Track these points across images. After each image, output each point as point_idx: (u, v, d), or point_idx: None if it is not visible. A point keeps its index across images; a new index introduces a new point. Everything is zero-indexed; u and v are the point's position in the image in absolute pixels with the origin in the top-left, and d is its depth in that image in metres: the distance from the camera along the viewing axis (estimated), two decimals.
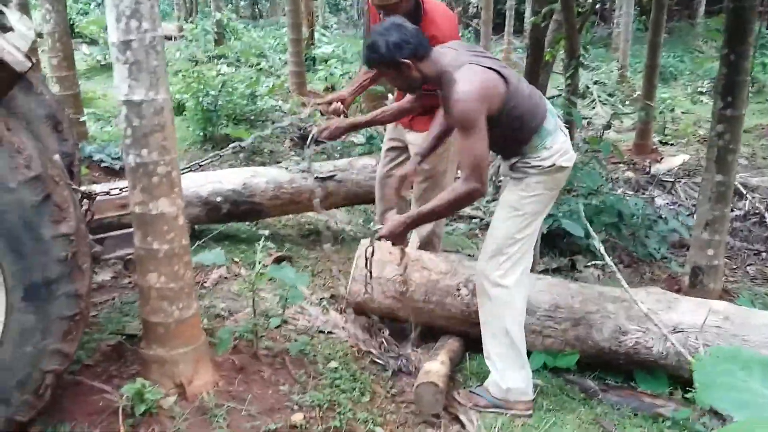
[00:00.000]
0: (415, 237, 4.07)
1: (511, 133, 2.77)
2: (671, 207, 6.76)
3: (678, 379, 3.26)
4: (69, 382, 2.54)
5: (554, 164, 2.81)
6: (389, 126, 3.92)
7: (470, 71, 2.61)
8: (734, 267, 5.53)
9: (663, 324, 3.13)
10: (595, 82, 12.96)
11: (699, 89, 13.07)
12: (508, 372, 2.93)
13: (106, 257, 2.96)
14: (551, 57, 7.38)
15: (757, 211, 6.55)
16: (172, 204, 2.42)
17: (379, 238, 2.84)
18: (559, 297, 3.26)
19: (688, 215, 6.30)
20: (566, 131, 2.94)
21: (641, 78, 13.89)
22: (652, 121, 8.76)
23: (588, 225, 3.00)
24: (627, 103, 11.25)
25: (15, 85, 2.56)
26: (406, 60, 2.62)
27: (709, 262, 4.36)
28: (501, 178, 3.24)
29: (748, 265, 5.58)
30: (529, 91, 2.83)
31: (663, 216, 5.78)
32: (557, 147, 2.82)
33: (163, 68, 2.37)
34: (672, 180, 7.28)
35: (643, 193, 7.09)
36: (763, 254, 5.83)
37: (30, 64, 2.18)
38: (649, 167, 7.98)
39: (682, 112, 11.50)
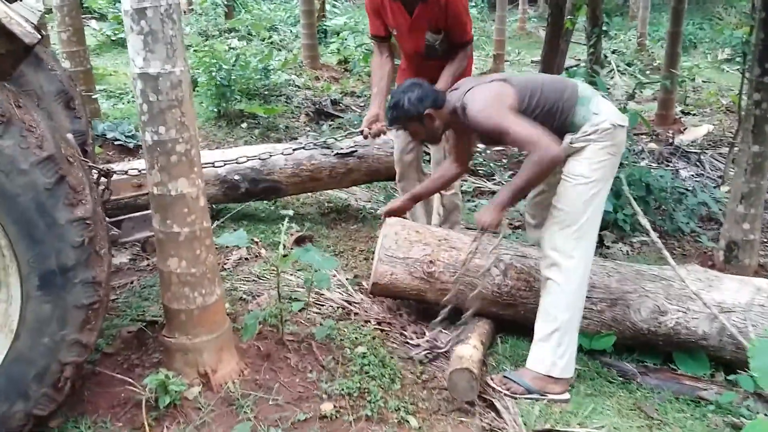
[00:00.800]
0: (435, 214, 3.95)
1: (550, 117, 2.81)
2: (696, 179, 6.56)
3: (719, 360, 3.12)
4: (89, 373, 2.44)
5: (612, 124, 2.78)
6: None
7: (474, 93, 2.83)
8: (764, 240, 5.35)
9: (704, 298, 2.99)
10: (613, 51, 12.70)
11: (720, 58, 12.75)
12: (557, 350, 2.83)
13: (124, 240, 2.84)
14: (572, 25, 7.17)
15: None
16: (192, 184, 2.29)
17: (482, 230, 2.83)
18: (594, 276, 3.11)
19: (715, 187, 6.12)
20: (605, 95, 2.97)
21: (660, 47, 13.71)
22: (675, 91, 8.52)
23: (633, 201, 2.86)
24: (648, 72, 11.01)
25: (24, 60, 2.43)
26: (428, 111, 2.90)
27: (744, 236, 4.20)
28: None
29: None
30: (539, 78, 2.99)
31: (691, 189, 5.61)
32: (605, 107, 2.84)
33: (180, 38, 2.22)
34: (698, 151, 7.05)
35: (667, 165, 6.89)
36: None
37: (39, 37, 2.04)
38: (673, 138, 7.76)
39: (703, 81, 11.23)
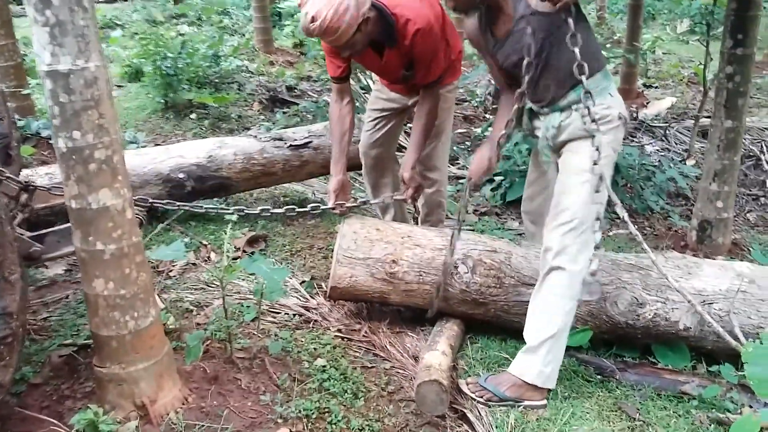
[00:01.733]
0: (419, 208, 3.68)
1: (576, 46, 2.42)
2: (662, 154, 6.44)
3: (700, 351, 2.97)
4: (10, 412, 2.16)
5: (621, 115, 2.63)
6: (375, 92, 3.53)
7: None
8: (734, 214, 5.25)
9: (686, 293, 2.82)
10: None
11: (679, 29, 12.68)
12: (547, 357, 2.61)
13: (49, 256, 2.55)
14: None
15: (751, 154, 6.24)
16: (116, 195, 2.01)
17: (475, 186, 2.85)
18: None
19: (681, 161, 6.00)
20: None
21: (620, 20, 13.60)
22: (637, 65, 8.38)
23: (612, 193, 2.63)
24: (608, 45, 10.87)
25: None
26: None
27: (718, 215, 4.07)
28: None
29: (747, 212, 5.30)
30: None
31: (658, 164, 5.47)
32: (618, 99, 2.68)
33: (94, 29, 1.92)
34: (663, 126, 6.93)
35: (632, 141, 6.75)
36: (762, 199, 5.55)
37: None
38: (636, 113, 7.62)
39: (663, 53, 11.15)
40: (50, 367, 2.45)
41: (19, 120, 4.85)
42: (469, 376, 2.77)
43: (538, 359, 2.60)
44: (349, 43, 2.78)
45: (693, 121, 6.48)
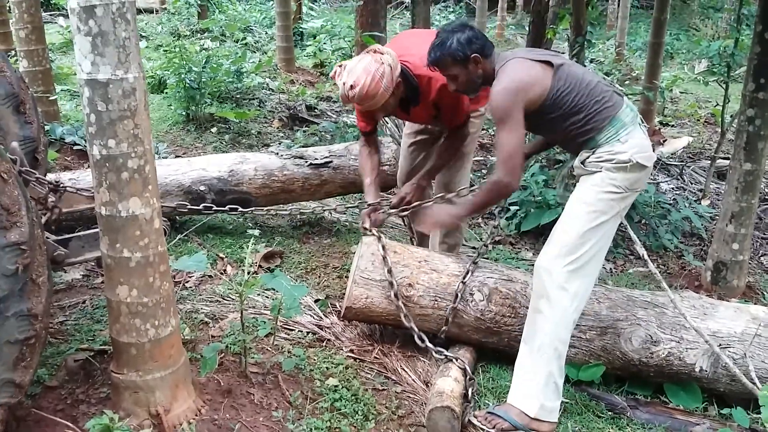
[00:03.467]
0: (434, 240, 3.68)
1: (574, 124, 2.64)
2: (677, 192, 6.44)
3: (712, 392, 2.95)
4: (26, 414, 2.17)
5: (630, 160, 2.58)
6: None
7: (512, 65, 2.62)
8: (749, 257, 5.23)
9: (705, 334, 2.83)
10: (591, 61, 12.61)
11: (697, 69, 12.73)
12: (545, 390, 2.60)
13: (72, 261, 2.57)
14: (553, 34, 7.02)
15: (767, 198, 6.23)
16: (145, 204, 2.04)
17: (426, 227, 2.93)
18: None
19: (696, 201, 6.00)
20: (645, 129, 2.72)
21: (638, 56, 13.68)
22: (655, 102, 8.41)
23: (630, 230, 2.67)
24: (626, 82, 10.92)
25: None
26: (476, 55, 2.64)
27: (733, 257, 4.06)
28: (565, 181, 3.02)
29: (761, 255, 5.28)
30: (591, 79, 2.67)
31: (674, 203, 5.47)
32: (635, 142, 2.61)
33: (135, 41, 1.97)
34: (680, 164, 6.94)
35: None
36: None
37: None
38: (653, 150, 7.63)
39: (681, 92, 11.18)
40: (66, 370, 2.46)
41: (45, 125, 4.91)
42: (479, 407, 2.77)
43: (535, 389, 2.61)
44: (384, 106, 2.94)
45: (709, 162, 6.48)
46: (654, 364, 2.88)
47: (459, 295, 2.91)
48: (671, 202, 5.50)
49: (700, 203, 5.90)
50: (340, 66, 2.89)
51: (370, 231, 3.13)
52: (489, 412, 2.63)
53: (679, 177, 6.81)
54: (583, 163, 2.67)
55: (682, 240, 5.17)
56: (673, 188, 6.54)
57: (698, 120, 9.29)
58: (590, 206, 2.61)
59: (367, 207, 3.27)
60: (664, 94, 9.48)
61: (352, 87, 2.79)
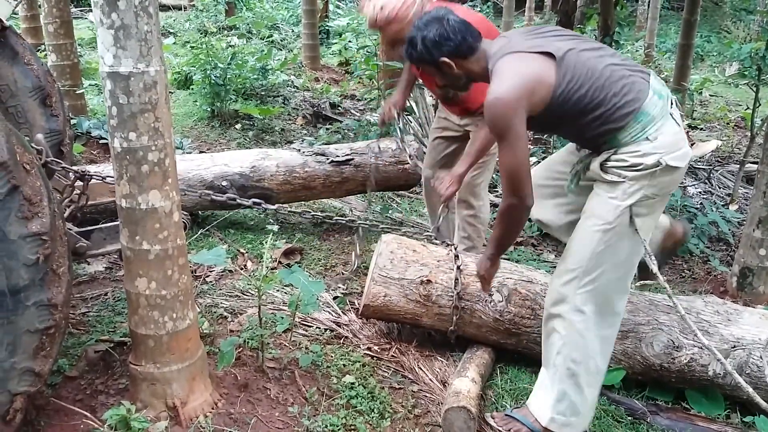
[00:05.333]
0: (457, 236, 3.65)
1: (589, 124, 2.25)
2: (704, 196, 6.34)
3: (735, 400, 2.89)
4: (45, 403, 2.20)
5: (659, 162, 2.20)
6: (438, 115, 3.56)
7: (508, 65, 2.21)
8: None
9: (723, 339, 2.78)
10: None
11: (728, 71, 12.54)
12: (557, 405, 2.49)
13: (93, 253, 2.60)
14: (581, 33, 6.96)
15: None
16: (165, 197, 2.05)
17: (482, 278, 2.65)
18: None
19: (724, 206, 5.90)
20: (681, 121, 2.29)
21: (667, 58, 13.49)
22: (684, 105, 8.29)
23: (646, 245, 2.41)
24: None
25: None
26: (445, 59, 2.31)
27: (760, 262, 3.98)
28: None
29: None
30: (607, 65, 2.23)
31: (701, 207, 5.38)
32: (665, 139, 2.21)
33: (157, 35, 1.98)
34: (708, 168, 6.82)
35: None
36: None
37: None
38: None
39: (710, 95, 11.01)
40: (86, 361, 2.49)
41: (72, 118, 4.98)
42: (496, 409, 2.74)
43: (549, 404, 2.50)
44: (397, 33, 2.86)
45: (738, 166, 6.37)
46: (675, 370, 2.83)
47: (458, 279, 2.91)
48: (698, 206, 5.41)
49: (727, 208, 5.79)
50: None
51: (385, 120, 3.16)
52: (507, 415, 2.60)
53: (706, 181, 6.70)
54: (602, 167, 2.30)
55: (708, 245, 5.08)
56: (700, 192, 6.43)
57: (728, 123, 9.14)
58: (609, 224, 2.29)
59: (394, 98, 3.30)
60: (693, 97, 9.35)
61: (382, 8, 2.75)
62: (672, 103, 2.29)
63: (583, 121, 2.25)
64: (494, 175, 5.83)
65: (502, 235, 2.42)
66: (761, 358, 2.75)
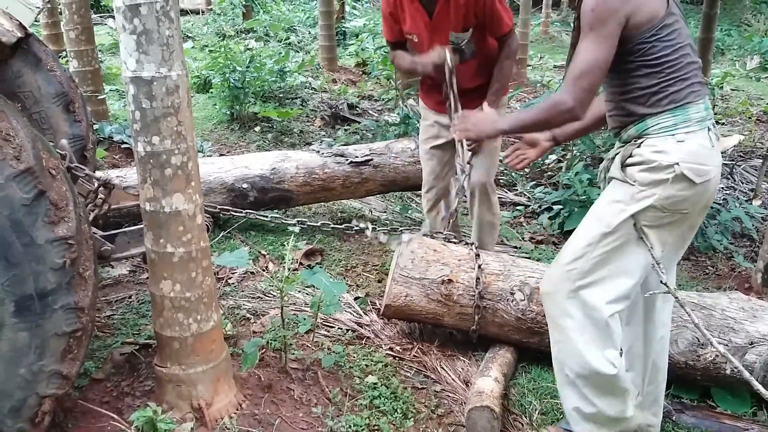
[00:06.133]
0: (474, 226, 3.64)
1: (641, 84, 2.12)
2: (727, 192, 6.27)
3: (761, 397, 2.84)
4: (72, 405, 2.23)
5: (675, 167, 2.06)
6: (423, 125, 3.61)
7: None
8: None
9: (748, 336, 2.75)
10: None
11: (749, 65, 12.38)
12: (569, 416, 2.41)
13: (118, 256, 2.63)
14: None
15: None
16: (188, 200, 2.07)
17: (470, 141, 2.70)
18: None
19: (747, 201, 5.83)
20: (716, 141, 2.16)
21: None
22: None
23: (656, 264, 2.14)
24: None
25: (7, 60, 2.24)
26: None
27: None
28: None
29: None
30: (691, 43, 2.15)
31: (723, 203, 5.32)
32: (691, 147, 2.08)
33: (179, 39, 2.00)
34: (730, 163, 6.75)
35: None
36: None
37: (19, 36, 1.85)
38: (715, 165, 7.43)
39: (732, 90, 10.88)
40: (112, 363, 2.51)
41: (94, 124, 5.04)
42: (520, 406, 2.73)
43: (575, 417, 2.41)
44: None
45: (761, 161, 6.29)
46: (701, 367, 2.81)
47: (479, 278, 2.90)
48: (721, 201, 5.35)
49: (751, 203, 5.72)
50: None
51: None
52: (563, 428, 2.55)
53: (729, 176, 6.62)
54: (622, 166, 2.19)
55: (732, 241, 5.03)
56: (723, 187, 6.36)
57: (749, 118, 9.03)
58: (606, 227, 2.18)
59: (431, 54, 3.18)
60: (714, 91, 9.25)
61: None
62: (712, 127, 2.17)
63: (639, 80, 2.12)
64: (512, 174, 5.82)
65: (532, 121, 2.27)
66: None
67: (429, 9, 3.12)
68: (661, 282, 2.12)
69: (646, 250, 2.18)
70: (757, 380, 2.78)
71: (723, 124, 8.97)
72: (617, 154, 2.26)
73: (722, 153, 7.22)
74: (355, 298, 3.34)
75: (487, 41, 3.23)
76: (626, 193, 2.16)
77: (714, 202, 5.16)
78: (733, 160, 6.91)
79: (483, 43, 3.23)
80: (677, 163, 2.07)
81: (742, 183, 6.54)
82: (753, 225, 5.14)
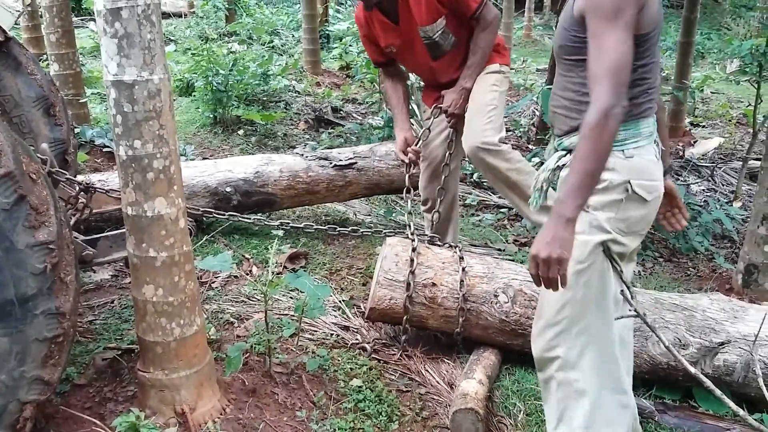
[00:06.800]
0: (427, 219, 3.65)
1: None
2: (708, 194, 6.34)
3: (742, 397, 2.89)
4: (54, 411, 2.21)
5: (627, 186, 1.91)
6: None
7: None
8: None
9: (729, 337, 2.79)
10: None
11: (729, 68, 12.53)
12: None
13: (100, 261, 2.61)
14: None
15: None
16: (171, 204, 2.06)
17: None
18: None
19: (727, 203, 5.90)
20: (659, 152, 2.03)
21: (668, 56, 13.48)
22: (685, 103, 8.29)
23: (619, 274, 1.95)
24: None
25: None
26: None
27: (765, 259, 3.97)
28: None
29: None
30: (659, 63, 2.02)
31: (704, 204, 5.38)
32: (640, 162, 1.94)
33: (160, 43, 2.00)
34: (711, 165, 6.82)
35: (677, 180, 6.66)
36: None
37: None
38: (683, 151, 7.53)
39: (712, 92, 11.00)
40: (94, 369, 2.50)
41: (75, 127, 5.00)
42: (505, 408, 2.74)
43: None
44: None
45: (741, 163, 6.37)
46: (682, 368, 2.82)
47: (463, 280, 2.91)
48: (702, 203, 5.41)
49: (731, 205, 5.79)
50: None
51: (410, 165, 3.15)
52: None
53: (710, 178, 6.70)
54: (559, 171, 1.99)
55: (713, 242, 5.08)
56: (703, 190, 6.44)
57: (730, 120, 9.14)
58: (579, 263, 1.93)
59: (401, 139, 3.25)
60: (694, 95, 9.35)
61: None
62: (657, 140, 2.04)
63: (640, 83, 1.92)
64: None
65: (588, 157, 1.72)
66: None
67: (392, 16, 3.15)
68: (631, 309, 2.00)
69: (613, 273, 2.01)
70: (737, 380, 2.84)
71: (703, 126, 9.07)
72: (562, 166, 2.04)
73: (702, 156, 7.31)
74: (341, 301, 3.33)
75: (466, 28, 3.20)
76: (583, 223, 1.90)
77: (695, 204, 5.23)
78: (713, 163, 6.99)
79: (463, 31, 3.21)
80: (629, 181, 1.91)
81: (723, 185, 6.62)
82: (734, 227, 5.20)
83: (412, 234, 3.07)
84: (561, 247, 1.70)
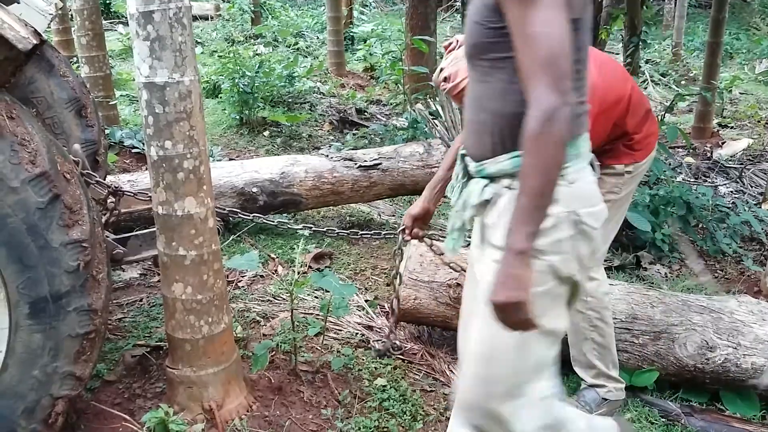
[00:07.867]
0: None
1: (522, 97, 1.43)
2: (736, 196, 6.26)
3: None
4: (85, 406, 2.26)
5: (575, 216, 1.52)
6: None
7: None
8: None
9: (757, 339, 2.75)
10: (647, 61, 12.37)
11: (757, 69, 12.35)
12: None
13: (130, 259, 2.66)
14: (607, 35, 6.90)
15: None
16: (200, 204, 2.10)
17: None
18: (636, 306, 2.87)
19: (756, 205, 5.82)
20: (597, 176, 1.65)
21: (695, 57, 13.33)
22: (713, 103, 8.18)
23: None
24: (683, 82, 10.67)
25: (23, 66, 2.27)
26: None
27: None
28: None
29: None
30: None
31: (732, 206, 5.31)
32: (583, 188, 1.57)
33: (191, 45, 2.03)
34: (739, 167, 6.73)
35: (705, 181, 6.59)
36: None
37: (35, 42, 1.87)
38: (711, 152, 7.44)
39: (741, 93, 10.86)
40: (124, 365, 2.54)
41: (105, 128, 5.08)
42: None
43: None
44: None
45: None
46: (710, 371, 2.80)
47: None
48: (730, 205, 5.35)
49: (760, 207, 5.71)
50: (456, 41, 2.56)
51: (405, 239, 2.54)
52: None
53: (738, 180, 6.61)
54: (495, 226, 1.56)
55: (741, 244, 5.01)
56: (732, 191, 6.35)
57: (758, 121, 9.01)
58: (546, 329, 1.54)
59: (419, 209, 2.91)
60: (722, 95, 9.23)
61: (446, 79, 2.55)
62: (594, 159, 1.67)
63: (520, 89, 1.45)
64: None
65: (544, 173, 1.39)
66: None
67: None
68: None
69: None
70: (766, 384, 2.80)
71: (732, 127, 8.96)
72: (488, 200, 1.59)
73: (731, 157, 7.24)
74: (366, 301, 3.35)
75: None
76: (537, 273, 1.47)
77: (723, 206, 5.17)
78: (742, 164, 6.90)
79: None
80: (575, 212, 1.53)
81: (751, 187, 6.52)
82: (762, 229, 5.13)
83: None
84: (516, 288, 1.38)
